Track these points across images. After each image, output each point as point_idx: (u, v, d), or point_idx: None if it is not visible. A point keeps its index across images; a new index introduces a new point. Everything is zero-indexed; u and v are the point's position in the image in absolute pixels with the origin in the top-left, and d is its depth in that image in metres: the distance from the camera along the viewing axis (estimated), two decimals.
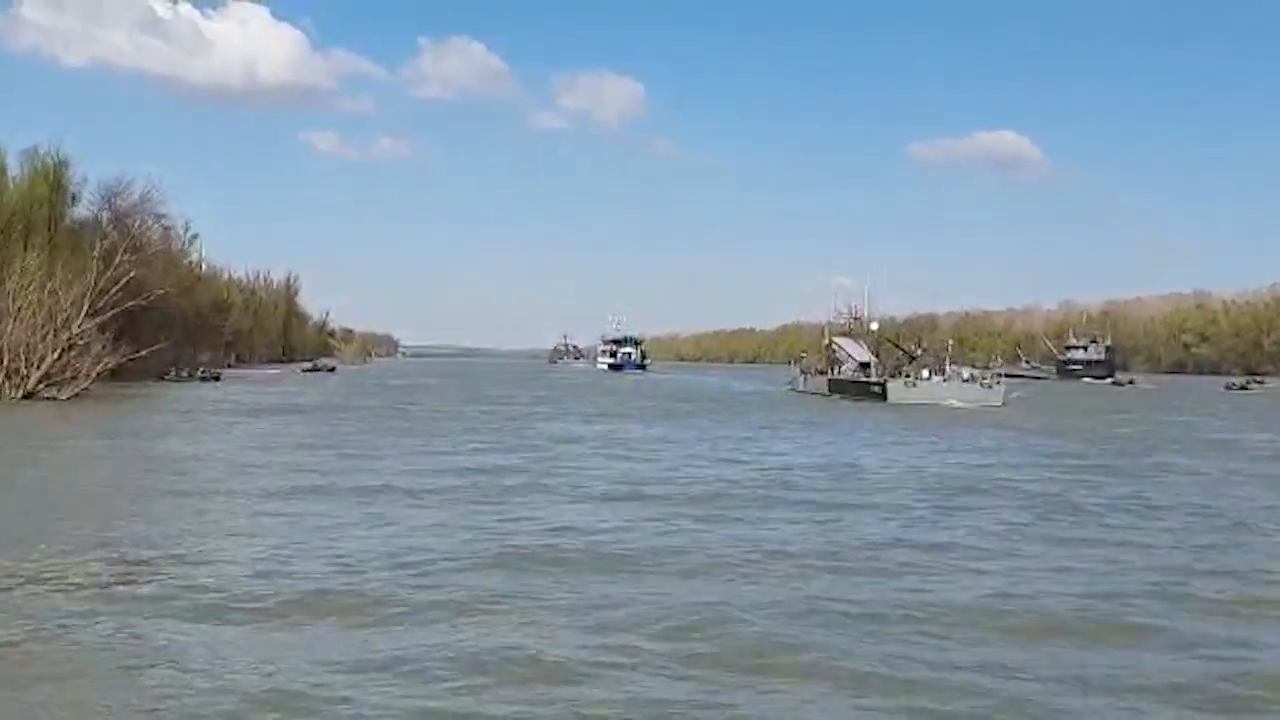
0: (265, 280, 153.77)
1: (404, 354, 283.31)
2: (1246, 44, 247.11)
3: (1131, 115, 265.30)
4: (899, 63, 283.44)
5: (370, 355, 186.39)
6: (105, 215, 62.88)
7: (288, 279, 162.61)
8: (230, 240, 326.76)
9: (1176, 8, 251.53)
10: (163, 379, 65.00)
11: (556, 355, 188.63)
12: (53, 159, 64.38)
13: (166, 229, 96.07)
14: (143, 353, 46.05)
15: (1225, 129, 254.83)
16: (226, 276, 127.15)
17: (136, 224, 65.87)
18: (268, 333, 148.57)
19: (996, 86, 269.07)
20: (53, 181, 63.33)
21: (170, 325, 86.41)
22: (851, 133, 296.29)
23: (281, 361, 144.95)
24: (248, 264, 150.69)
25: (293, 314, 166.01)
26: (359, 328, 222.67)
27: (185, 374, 69.12)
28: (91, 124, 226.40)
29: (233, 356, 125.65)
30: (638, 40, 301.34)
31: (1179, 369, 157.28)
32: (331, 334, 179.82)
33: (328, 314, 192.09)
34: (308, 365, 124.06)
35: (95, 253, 45.53)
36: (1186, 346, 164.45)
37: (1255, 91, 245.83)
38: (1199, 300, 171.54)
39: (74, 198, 66.02)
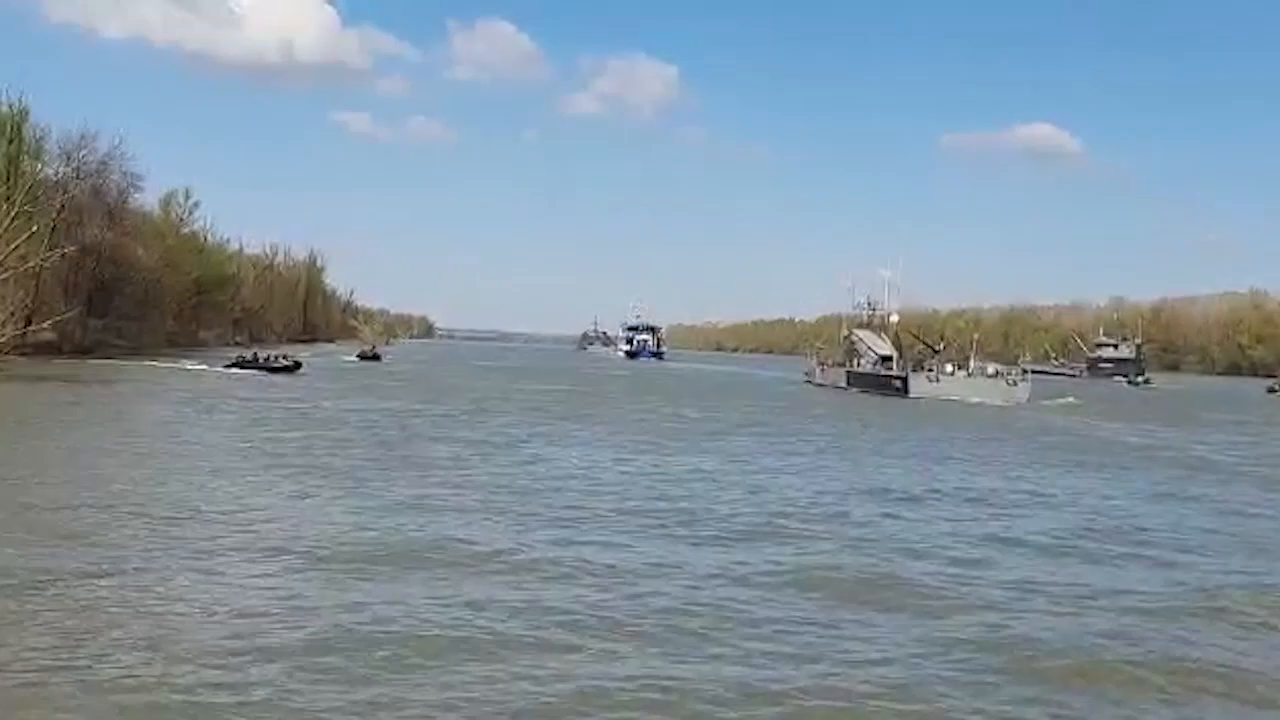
0: (286, 255, 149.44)
1: (440, 336, 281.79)
2: None
3: (1177, 108, 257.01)
4: (931, 54, 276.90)
5: (394, 337, 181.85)
6: (65, 171, 58.07)
7: (310, 255, 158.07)
8: (263, 220, 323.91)
9: None
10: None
11: (586, 341, 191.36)
12: (12, 109, 59.40)
13: (168, 195, 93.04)
14: (44, 325, 41.06)
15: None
16: (237, 249, 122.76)
17: (101, 181, 61.30)
18: (285, 311, 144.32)
19: (1032, 79, 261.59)
20: (11, 133, 58.80)
21: (156, 299, 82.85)
22: (885, 123, 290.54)
23: (302, 341, 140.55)
24: (272, 242, 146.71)
25: (317, 292, 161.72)
26: (396, 309, 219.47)
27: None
28: (125, 99, 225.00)
29: (245, 334, 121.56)
30: (670, 25, 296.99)
31: (1234, 370, 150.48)
32: (355, 314, 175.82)
33: (351, 293, 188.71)
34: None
35: None
36: (1242, 347, 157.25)
37: None
38: (1255, 300, 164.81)
39: (39, 153, 61.52)
